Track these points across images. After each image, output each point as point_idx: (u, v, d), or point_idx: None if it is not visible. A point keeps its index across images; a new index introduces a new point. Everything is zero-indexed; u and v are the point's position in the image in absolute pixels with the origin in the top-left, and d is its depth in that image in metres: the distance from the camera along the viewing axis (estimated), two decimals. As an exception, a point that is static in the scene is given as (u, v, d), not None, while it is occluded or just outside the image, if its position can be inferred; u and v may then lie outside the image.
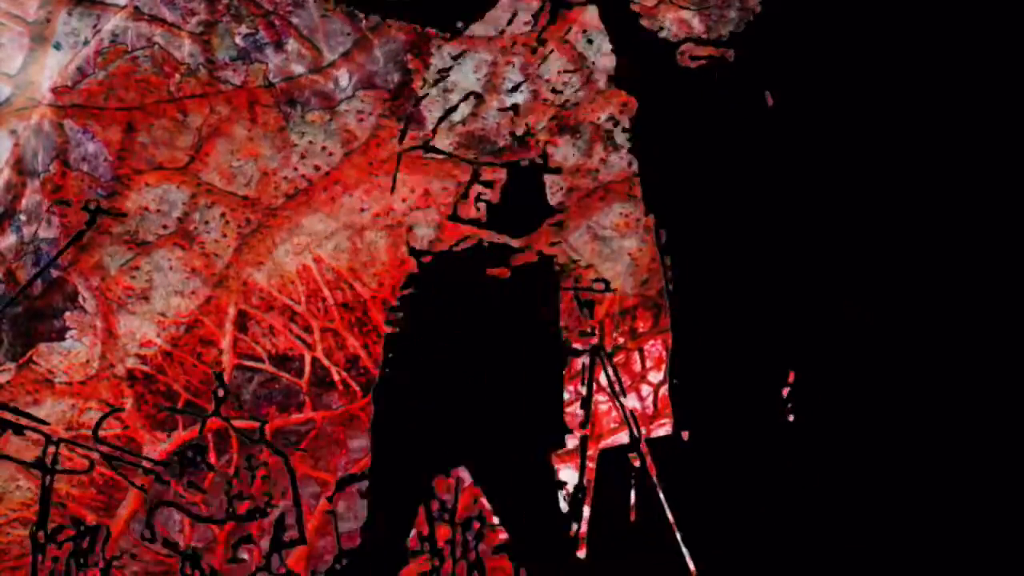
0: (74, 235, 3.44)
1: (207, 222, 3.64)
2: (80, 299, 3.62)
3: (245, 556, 3.50)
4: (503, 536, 3.17)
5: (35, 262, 3.60)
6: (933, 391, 3.58)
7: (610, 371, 3.43)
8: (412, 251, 3.54)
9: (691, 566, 3.24)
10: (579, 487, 3.25)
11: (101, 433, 3.59)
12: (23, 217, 3.59)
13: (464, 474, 3.33)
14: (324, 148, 3.65)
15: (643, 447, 3.23)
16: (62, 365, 3.62)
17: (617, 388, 3.43)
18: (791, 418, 3.60)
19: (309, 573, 3.51)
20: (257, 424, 3.62)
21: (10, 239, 3.59)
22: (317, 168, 3.65)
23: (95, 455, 3.51)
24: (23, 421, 3.45)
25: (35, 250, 3.60)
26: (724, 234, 3.99)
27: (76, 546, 3.23)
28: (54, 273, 3.61)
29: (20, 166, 3.58)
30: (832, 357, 3.64)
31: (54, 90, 3.59)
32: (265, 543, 3.61)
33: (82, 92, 3.59)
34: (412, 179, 3.69)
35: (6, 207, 3.59)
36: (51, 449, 3.32)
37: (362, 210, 3.67)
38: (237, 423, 3.63)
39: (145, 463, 3.49)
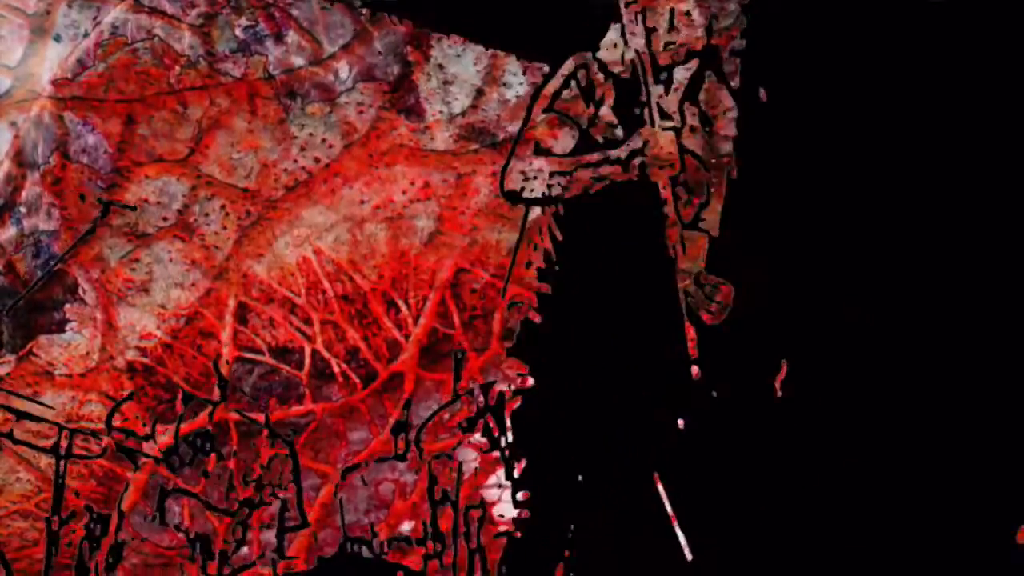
0: (86, 230, 3.44)
1: (207, 214, 3.64)
2: (80, 291, 3.63)
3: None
4: (502, 526, 3.20)
5: (35, 254, 3.60)
6: (932, 391, 3.61)
7: None
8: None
9: (688, 555, 3.26)
10: None
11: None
12: (23, 209, 3.59)
13: (467, 457, 3.36)
14: (324, 140, 3.65)
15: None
16: (62, 357, 3.62)
17: None
18: (788, 415, 3.63)
19: (314, 560, 3.53)
20: (262, 417, 3.62)
21: (10, 231, 3.59)
22: (317, 160, 3.65)
23: (105, 441, 3.52)
24: (35, 410, 3.48)
25: (35, 242, 3.60)
26: (722, 231, 3.99)
27: (89, 531, 3.26)
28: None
29: (20, 158, 3.59)
30: (832, 357, 3.67)
31: (54, 82, 3.59)
32: (266, 534, 3.62)
33: (82, 84, 3.59)
34: (412, 171, 3.70)
35: (6, 199, 3.59)
36: (65, 434, 3.33)
37: (362, 202, 3.67)
38: (245, 414, 3.64)
39: (154, 453, 3.49)
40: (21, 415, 3.46)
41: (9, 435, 3.48)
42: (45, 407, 3.51)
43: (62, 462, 3.49)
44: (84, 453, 3.57)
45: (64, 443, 3.52)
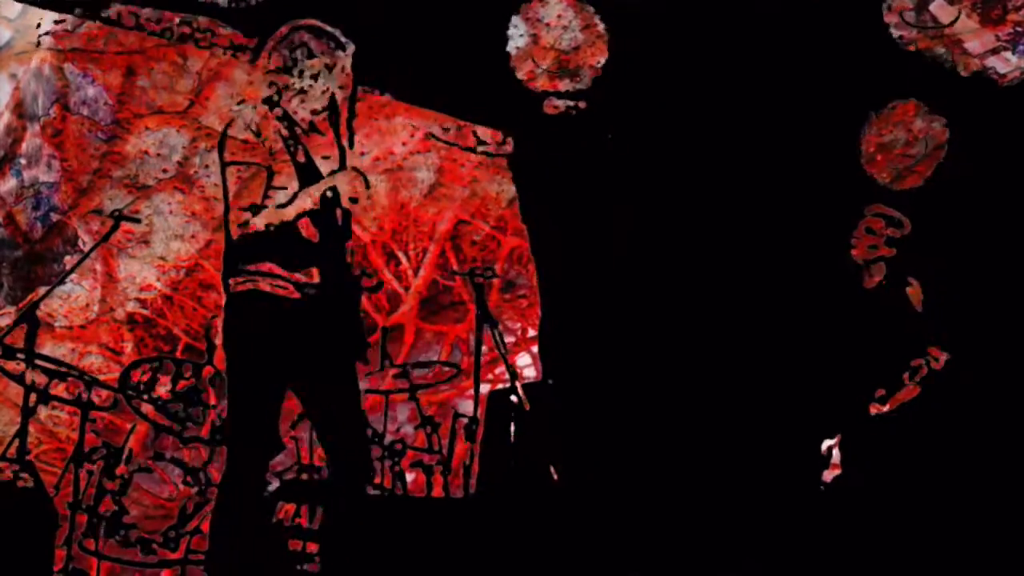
0: (96, 242, 3.46)
1: (207, 166, 3.64)
2: (80, 243, 3.63)
3: None
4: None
5: (35, 206, 3.60)
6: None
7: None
8: None
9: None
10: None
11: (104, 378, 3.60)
12: (23, 160, 3.60)
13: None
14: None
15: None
16: (62, 309, 3.62)
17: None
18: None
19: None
20: None
21: (11, 182, 3.60)
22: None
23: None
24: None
25: (35, 193, 3.60)
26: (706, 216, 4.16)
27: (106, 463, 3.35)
28: (54, 217, 3.61)
29: (20, 110, 3.59)
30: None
31: (54, 34, 3.59)
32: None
33: (82, 36, 3.59)
34: (412, 123, 3.70)
35: (7, 151, 3.59)
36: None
37: (362, 154, 3.67)
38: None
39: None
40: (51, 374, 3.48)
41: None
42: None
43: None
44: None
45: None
